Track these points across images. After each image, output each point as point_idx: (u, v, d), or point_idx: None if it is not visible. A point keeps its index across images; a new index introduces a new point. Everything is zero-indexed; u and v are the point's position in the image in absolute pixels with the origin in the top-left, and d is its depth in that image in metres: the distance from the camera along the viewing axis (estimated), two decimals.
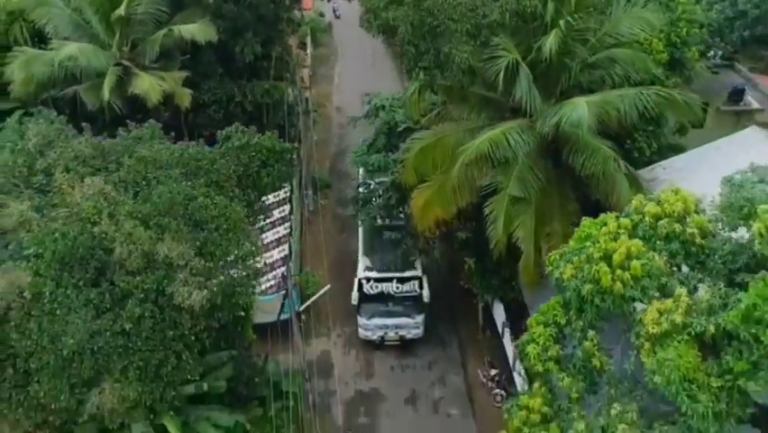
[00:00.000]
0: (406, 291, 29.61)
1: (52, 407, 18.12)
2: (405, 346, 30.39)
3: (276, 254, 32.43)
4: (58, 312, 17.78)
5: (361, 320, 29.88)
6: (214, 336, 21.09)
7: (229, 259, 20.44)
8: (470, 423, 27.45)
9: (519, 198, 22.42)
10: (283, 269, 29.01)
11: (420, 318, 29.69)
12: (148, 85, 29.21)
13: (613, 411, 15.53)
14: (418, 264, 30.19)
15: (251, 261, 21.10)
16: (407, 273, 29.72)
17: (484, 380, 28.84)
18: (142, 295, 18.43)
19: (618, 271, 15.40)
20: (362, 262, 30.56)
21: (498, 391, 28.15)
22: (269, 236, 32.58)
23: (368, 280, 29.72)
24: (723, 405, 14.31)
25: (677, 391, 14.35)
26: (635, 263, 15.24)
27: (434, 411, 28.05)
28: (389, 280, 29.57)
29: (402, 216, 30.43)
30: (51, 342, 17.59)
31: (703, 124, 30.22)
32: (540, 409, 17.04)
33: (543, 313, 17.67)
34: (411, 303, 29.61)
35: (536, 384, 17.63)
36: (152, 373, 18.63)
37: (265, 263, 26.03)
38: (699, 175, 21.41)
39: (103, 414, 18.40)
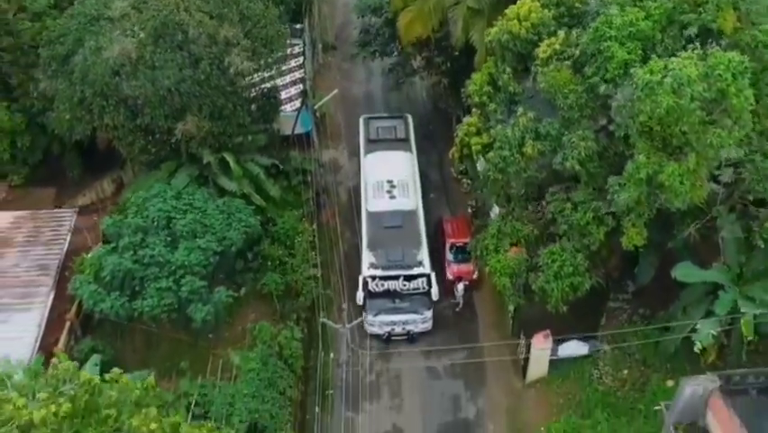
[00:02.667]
0: (414, 289, 28.94)
1: (153, 130, 27.09)
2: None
3: (293, 90, 40.95)
4: (156, 65, 26.49)
5: (368, 317, 28.95)
6: (254, 110, 30.09)
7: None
8: (444, 198, 36.58)
9: (476, 10, 30.70)
10: (298, 101, 37.15)
11: (429, 313, 29.10)
12: None
13: (520, 118, 24.31)
14: (426, 261, 29.41)
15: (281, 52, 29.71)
16: (415, 271, 28.89)
17: (455, 173, 37.76)
18: (210, 60, 27.13)
19: (523, 23, 24.01)
20: (366, 258, 29.59)
21: (465, 182, 37.04)
22: (286, 79, 40.92)
23: (373, 278, 28.83)
24: (583, 100, 23.06)
25: (555, 92, 23.11)
26: (533, 16, 23.84)
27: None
28: (396, 278, 28.79)
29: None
30: (152, 84, 26.37)
31: None
32: (476, 125, 25.95)
33: (481, 69, 26.43)
34: (419, 299, 28.97)
35: (475, 111, 26.46)
36: (218, 113, 27.52)
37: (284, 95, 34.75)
38: None
39: (186, 139, 27.37)
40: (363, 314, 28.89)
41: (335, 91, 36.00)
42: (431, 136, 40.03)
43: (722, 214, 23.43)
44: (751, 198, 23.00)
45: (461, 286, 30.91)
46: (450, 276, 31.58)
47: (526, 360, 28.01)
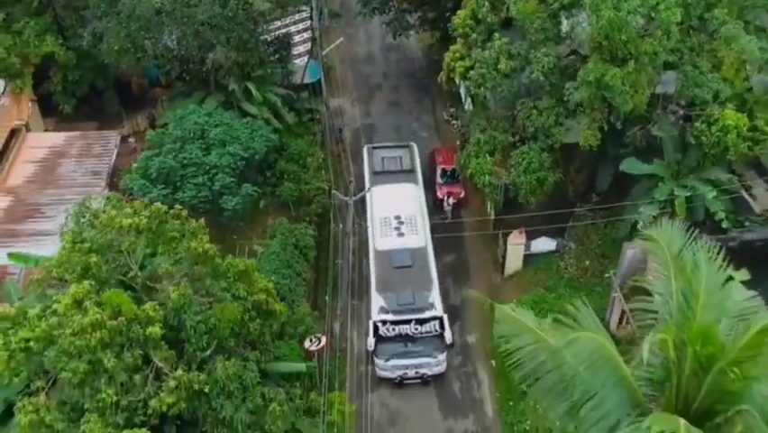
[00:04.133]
0: (426, 332, 28.03)
1: (188, 59, 32.14)
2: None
3: (302, 48, 45.95)
4: (191, 3, 31.53)
5: (379, 361, 28.32)
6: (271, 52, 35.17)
7: None
8: (436, 136, 41.60)
9: None
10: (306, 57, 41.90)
11: (442, 357, 28.38)
12: None
13: (496, 42, 29.33)
14: (437, 302, 28.53)
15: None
16: (427, 314, 27.92)
17: (446, 116, 42.82)
18: (237, 0, 32.17)
19: None
20: (376, 301, 28.60)
21: (454, 122, 42.07)
22: (296, 39, 45.92)
23: (384, 323, 27.86)
24: (546, 24, 28.04)
25: (524, 19, 28.12)
26: None
27: (412, 135, 42.07)
28: (407, 322, 27.84)
29: None
30: (188, 19, 31.39)
31: None
32: (460, 51, 30.99)
33: (466, 6, 31.48)
34: (432, 342, 28.10)
35: (460, 41, 31.48)
36: (243, 46, 32.57)
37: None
38: None
39: (216, 67, 32.39)
40: (374, 358, 28.30)
41: (341, 39, 41.03)
42: (425, 87, 45.19)
43: (661, 118, 28.41)
44: (683, 102, 28.00)
45: (450, 200, 35.94)
46: (440, 195, 36.65)
47: (504, 258, 33.01)
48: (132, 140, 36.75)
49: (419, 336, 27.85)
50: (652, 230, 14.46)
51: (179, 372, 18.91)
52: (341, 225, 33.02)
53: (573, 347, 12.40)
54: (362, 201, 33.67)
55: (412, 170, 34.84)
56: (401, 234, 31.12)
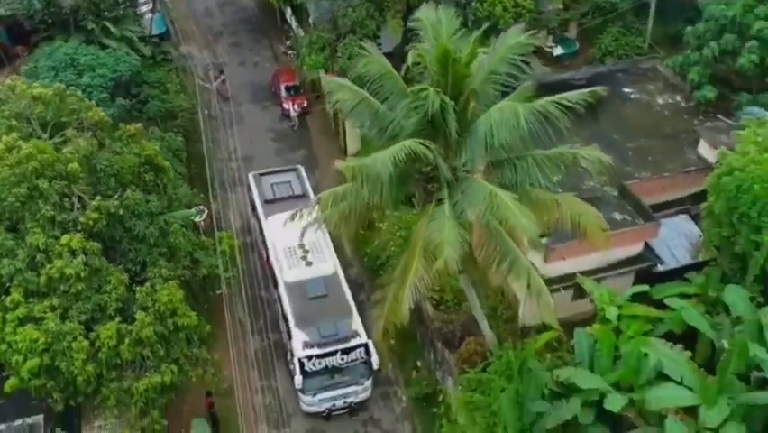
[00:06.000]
0: (352, 360, 27.51)
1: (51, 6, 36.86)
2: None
3: (145, 9, 50.91)
4: None
5: (306, 398, 27.90)
6: None
7: None
8: (276, 65, 48.18)
9: None
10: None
11: (368, 382, 28.23)
12: None
13: None
14: (360, 329, 28.00)
15: None
16: (353, 343, 27.40)
17: (283, 49, 49.51)
18: None
19: None
20: (298, 337, 27.71)
21: (291, 52, 48.74)
22: None
23: (309, 358, 27.12)
24: None
25: None
26: None
27: (255, 66, 48.51)
28: (333, 353, 27.19)
29: None
30: None
31: None
32: None
33: None
34: (358, 369, 27.82)
35: None
36: None
37: None
38: None
39: (75, 9, 37.26)
40: (300, 395, 27.97)
41: None
42: (261, 30, 51.91)
43: None
44: None
45: (295, 107, 42.81)
46: (286, 107, 43.40)
47: (345, 143, 40.16)
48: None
49: (345, 365, 27.49)
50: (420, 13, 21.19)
51: (98, 199, 24.52)
52: (206, 111, 38.98)
53: (369, 67, 19.65)
54: (260, 231, 33.51)
55: (304, 195, 33.80)
56: (309, 263, 30.31)
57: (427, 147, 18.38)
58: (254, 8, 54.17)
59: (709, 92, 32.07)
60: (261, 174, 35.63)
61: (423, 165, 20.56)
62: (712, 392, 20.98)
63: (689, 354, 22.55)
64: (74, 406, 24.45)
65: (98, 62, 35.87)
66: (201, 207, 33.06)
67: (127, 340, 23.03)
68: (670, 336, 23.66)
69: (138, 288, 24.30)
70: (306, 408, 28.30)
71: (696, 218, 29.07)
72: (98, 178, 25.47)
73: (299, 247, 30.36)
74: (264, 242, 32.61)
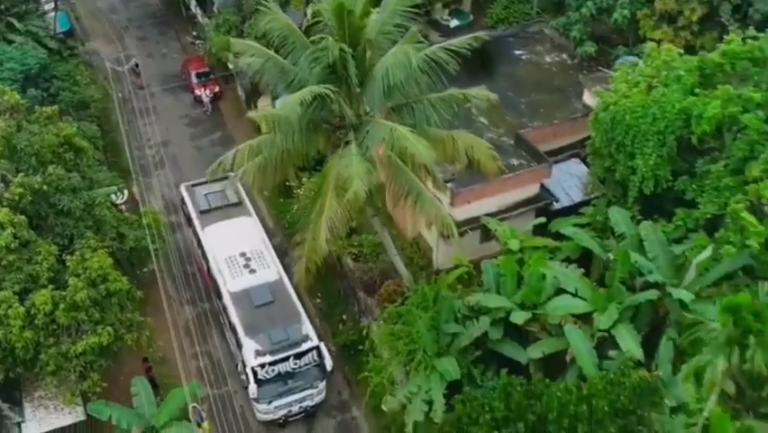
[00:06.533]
0: (305, 364, 27.37)
1: None
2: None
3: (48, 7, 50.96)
4: None
5: (261, 406, 27.41)
6: None
7: None
8: (185, 55, 49.08)
9: None
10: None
11: (322, 384, 28.04)
12: None
13: None
14: (311, 332, 27.89)
15: None
16: (304, 347, 27.24)
17: (190, 40, 50.49)
18: None
19: None
20: (248, 345, 27.24)
21: (198, 42, 49.70)
22: None
23: (262, 366, 26.78)
24: None
25: None
26: None
27: (163, 57, 49.43)
28: (285, 359, 26.98)
29: None
30: None
31: None
32: None
33: None
34: (311, 372, 27.62)
35: None
36: None
37: None
38: None
39: None
40: (254, 404, 27.57)
41: None
42: (167, 23, 52.84)
43: None
44: None
45: (207, 92, 44.03)
46: (198, 93, 44.55)
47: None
48: None
49: (299, 370, 27.34)
50: None
51: (20, 176, 25.40)
52: (119, 95, 39.82)
53: (272, 24, 21.47)
54: (198, 244, 32.85)
55: (240, 203, 33.49)
56: (252, 271, 29.95)
57: (331, 90, 20.27)
58: (158, 2, 54.93)
59: (590, 47, 35.31)
60: (194, 185, 34.57)
61: (331, 116, 22.50)
62: (603, 300, 23.84)
63: (582, 271, 25.27)
64: (14, 378, 25.25)
65: (6, 56, 36.32)
66: (122, 185, 34.02)
67: (62, 306, 23.99)
68: (567, 263, 26.37)
69: (68, 257, 25.28)
70: (261, 416, 27.90)
71: (586, 161, 31.91)
72: (19, 157, 26.29)
73: (241, 255, 30.39)
74: (204, 254, 31.89)
